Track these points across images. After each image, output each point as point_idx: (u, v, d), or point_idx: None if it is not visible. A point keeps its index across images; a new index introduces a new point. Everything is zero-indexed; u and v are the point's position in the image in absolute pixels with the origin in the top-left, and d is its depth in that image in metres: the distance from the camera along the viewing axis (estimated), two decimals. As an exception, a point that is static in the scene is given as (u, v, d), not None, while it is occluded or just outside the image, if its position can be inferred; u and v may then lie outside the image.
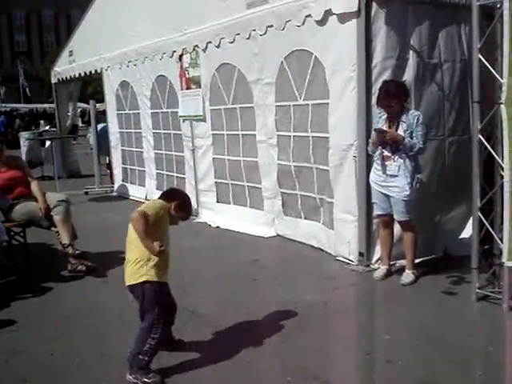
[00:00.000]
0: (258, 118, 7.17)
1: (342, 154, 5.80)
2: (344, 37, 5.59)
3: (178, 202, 3.74)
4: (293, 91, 6.47)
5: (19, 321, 4.74)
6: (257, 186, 7.46)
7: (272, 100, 6.83)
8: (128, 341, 3.74)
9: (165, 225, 3.71)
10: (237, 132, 7.67)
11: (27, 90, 40.88)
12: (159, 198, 3.83)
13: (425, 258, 5.70)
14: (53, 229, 6.10)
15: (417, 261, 5.45)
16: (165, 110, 9.24)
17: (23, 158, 12.45)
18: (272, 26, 6.46)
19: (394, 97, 5.04)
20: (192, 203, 3.99)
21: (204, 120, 8.18)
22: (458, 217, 6.08)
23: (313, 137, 6.29)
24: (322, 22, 5.80)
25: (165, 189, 9.43)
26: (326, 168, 6.11)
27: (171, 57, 8.55)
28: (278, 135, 6.87)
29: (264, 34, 6.63)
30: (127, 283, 3.67)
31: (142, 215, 3.51)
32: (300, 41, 6.21)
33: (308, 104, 6.29)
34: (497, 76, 4.41)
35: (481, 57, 4.49)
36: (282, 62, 6.54)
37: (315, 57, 6.04)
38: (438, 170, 5.84)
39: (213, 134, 8.13)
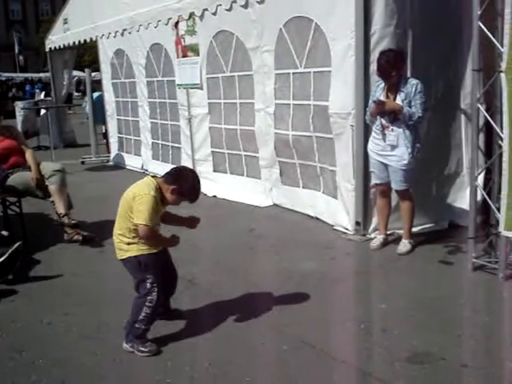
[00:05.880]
0: (256, 86, 7.10)
1: (342, 123, 5.75)
2: (344, 2, 5.49)
3: (176, 187, 3.53)
4: (293, 59, 6.39)
5: (15, 291, 4.74)
6: (254, 155, 7.42)
7: (271, 68, 6.75)
8: (125, 310, 3.74)
9: (160, 208, 3.59)
10: (234, 100, 7.59)
11: (21, 58, 40.37)
12: (162, 177, 3.63)
13: (426, 228, 5.73)
14: (49, 199, 6.07)
15: (416, 229, 5.47)
16: (160, 79, 9.14)
17: (19, 128, 12.35)
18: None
19: (394, 66, 4.97)
20: (199, 188, 3.67)
21: (201, 88, 8.10)
22: (460, 186, 6.03)
23: (314, 105, 6.20)
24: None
25: (160, 158, 9.53)
26: (327, 136, 6.05)
27: (166, 24, 8.41)
28: (277, 104, 6.80)
29: (261, 1, 6.55)
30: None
31: (151, 234, 3.51)
32: (299, 7, 6.11)
33: (309, 72, 6.21)
34: (497, 45, 4.34)
35: (481, 24, 4.41)
36: (280, 30, 6.43)
37: (315, 24, 5.94)
38: (431, 141, 5.75)
39: (209, 103, 8.06)
